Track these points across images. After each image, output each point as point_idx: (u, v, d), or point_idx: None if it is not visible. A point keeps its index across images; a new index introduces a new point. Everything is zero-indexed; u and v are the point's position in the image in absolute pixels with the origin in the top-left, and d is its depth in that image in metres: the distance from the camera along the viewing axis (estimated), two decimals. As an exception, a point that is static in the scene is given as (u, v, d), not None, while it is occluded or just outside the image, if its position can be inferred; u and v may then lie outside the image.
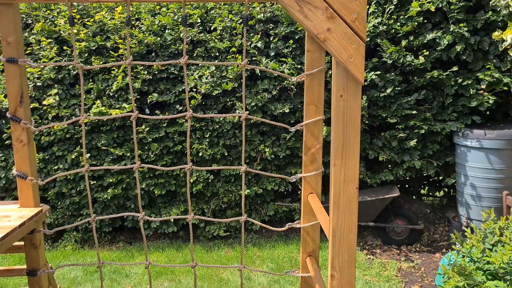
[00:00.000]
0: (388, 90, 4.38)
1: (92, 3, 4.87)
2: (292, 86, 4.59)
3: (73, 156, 4.72)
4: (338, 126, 1.65)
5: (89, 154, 4.77)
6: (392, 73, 4.47)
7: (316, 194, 2.41)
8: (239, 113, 4.63)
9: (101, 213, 4.94)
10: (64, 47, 4.72)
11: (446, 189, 5.23)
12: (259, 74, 4.62)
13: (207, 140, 4.72)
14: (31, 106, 4.71)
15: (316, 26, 1.55)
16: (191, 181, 4.77)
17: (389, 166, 4.88)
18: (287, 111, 4.59)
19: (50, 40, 4.71)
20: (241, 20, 4.65)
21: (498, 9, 4.19)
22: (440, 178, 5.04)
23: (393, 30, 4.45)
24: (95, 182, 4.80)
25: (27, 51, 4.81)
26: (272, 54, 4.63)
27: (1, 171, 4.86)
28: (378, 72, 4.34)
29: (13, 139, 2.41)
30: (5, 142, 4.86)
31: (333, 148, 1.67)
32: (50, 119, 4.75)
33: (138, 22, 4.84)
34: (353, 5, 1.54)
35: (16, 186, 4.86)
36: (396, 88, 4.45)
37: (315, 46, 2.30)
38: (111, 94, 4.71)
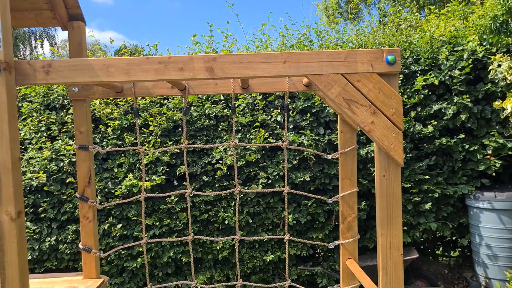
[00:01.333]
0: (401, 157, 4.71)
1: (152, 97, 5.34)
2: (311, 156, 4.93)
3: (105, 227, 4.96)
4: (382, 201, 1.94)
5: (120, 225, 5.01)
6: (404, 141, 4.83)
7: (353, 259, 2.66)
8: (262, 183, 4.95)
9: (129, 282, 5.10)
10: (100, 126, 5.11)
11: (460, 249, 5.43)
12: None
13: (232, 208, 4.99)
14: (67, 181, 5.02)
15: (362, 120, 1.89)
16: (218, 248, 4.98)
17: (405, 228, 5.12)
18: (307, 179, 4.90)
19: (85, 119, 5.10)
20: (261, 97, 5.08)
21: (496, 81, 4.63)
22: (454, 238, 5.26)
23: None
24: (125, 251, 5.00)
25: (63, 130, 5.19)
26: (291, 126, 5.01)
27: (35, 243, 5.07)
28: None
29: (80, 216, 2.68)
30: (40, 215, 5.11)
31: (378, 219, 1.95)
32: (83, 192, 5.03)
33: (166, 100, 5.27)
34: (391, 102, 1.89)
35: (48, 257, 5.04)
36: (408, 155, 4.79)
37: (347, 128, 2.65)
38: (141, 167, 5.03)
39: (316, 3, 18.96)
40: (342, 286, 2.64)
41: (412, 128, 4.75)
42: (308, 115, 4.97)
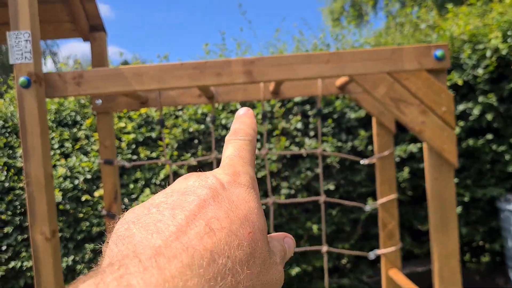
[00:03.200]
0: (426, 161, 4.58)
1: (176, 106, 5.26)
2: (335, 164, 4.81)
3: (125, 245, 4.84)
4: (435, 206, 1.82)
5: (139, 242, 4.90)
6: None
7: (397, 269, 2.52)
8: (284, 194, 4.82)
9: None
10: (116, 141, 5.02)
11: (490, 254, 5.25)
12: (302, 154, 4.86)
13: (254, 220, 4.85)
14: (83, 199, 4.92)
15: (411, 120, 1.78)
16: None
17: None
18: (332, 188, 4.77)
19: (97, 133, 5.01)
20: (280, 104, 4.98)
21: (519, 79, 4.51)
22: (482, 243, 5.09)
23: (422, 104, 4.75)
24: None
25: (77, 146, 5.11)
26: (312, 134, 4.90)
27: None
28: (419, 145, 4.57)
29: (108, 233, 2.55)
30: (58, 235, 5.00)
31: (432, 226, 1.83)
32: (99, 210, 4.93)
33: (180, 112, 5.18)
34: (442, 100, 1.78)
35: (65, 278, 4.94)
36: (433, 158, 4.66)
37: (384, 131, 2.53)
38: (157, 182, 4.93)
39: (321, 8, 18.93)
40: (385, 297, 2.52)
41: (435, 131, 4.63)
42: (330, 121, 4.86)
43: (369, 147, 4.81)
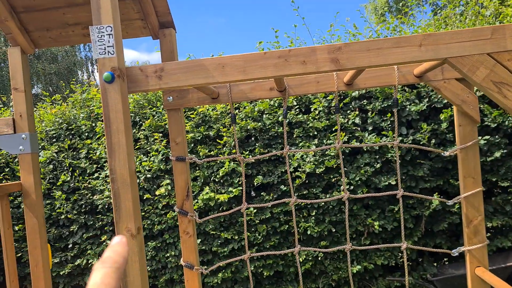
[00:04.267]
0: (497, 154, 4.33)
1: (246, 101, 5.31)
2: (395, 158, 4.64)
3: (185, 243, 4.86)
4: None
5: (198, 240, 4.91)
6: (497, 136, 4.44)
7: (483, 267, 2.36)
8: (343, 188, 4.69)
9: (210, 298, 4.97)
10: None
11: None
12: (360, 149, 4.71)
13: (313, 217, 4.76)
14: (144, 197, 4.98)
15: (515, 104, 1.64)
16: (300, 260, 4.76)
17: (503, 230, 4.69)
18: (393, 183, 4.60)
19: (157, 134, 5.06)
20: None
21: None
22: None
23: (490, 94, 4.49)
24: (205, 266, 4.88)
25: (137, 146, 5.18)
26: (370, 128, 4.74)
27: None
28: (487, 137, 4.33)
29: (180, 231, 2.54)
30: (120, 233, 5.09)
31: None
32: (160, 208, 4.98)
33: (237, 110, 5.15)
34: (549, 82, 1.63)
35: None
36: (503, 151, 4.40)
37: (467, 121, 2.38)
38: (216, 180, 4.92)
39: (364, 5, 18.54)
40: (472, 297, 2.36)
41: (506, 121, 4.36)
42: (389, 115, 4.69)
43: (433, 141, 4.60)
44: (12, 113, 5.51)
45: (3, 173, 5.39)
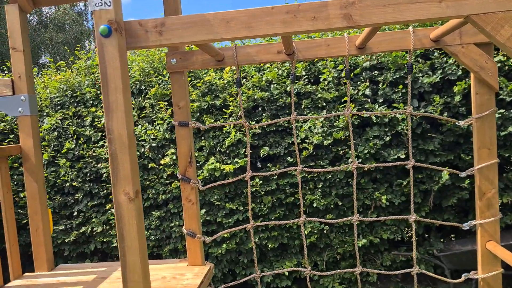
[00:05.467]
0: (511, 129, 4.20)
1: (252, 64, 5.22)
2: (406, 131, 4.52)
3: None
4: None
5: (203, 210, 4.87)
6: (511, 110, 4.30)
7: (495, 241, 2.28)
8: (351, 161, 4.60)
9: (214, 269, 4.96)
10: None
11: None
12: (370, 121, 4.60)
13: (320, 190, 4.69)
14: (149, 166, 4.93)
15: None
16: (306, 232, 4.72)
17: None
18: (402, 156, 4.50)
19: (163, 102, 4.97)
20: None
21: None
22: None
23: (507, 67, 4.33)
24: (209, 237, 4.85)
25: (142, 115, 5.10)
26: (381, 100, 4.61)
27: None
28: (502, 111, 4.19)
29: (183, 198, 2.49)
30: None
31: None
32: (165, 177, 4.93)
33: (244, 80, 5.02)
34: None
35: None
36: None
37: (484, 89, 2.26)
38: (222, 150, 4.84)
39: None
40: (482, 272, 2.29)
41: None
42: (400, 86, 4.55)
43: (445, 114, 4.47)
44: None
45: (8, 140, 5.35)
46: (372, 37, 2.15)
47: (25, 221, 5.19)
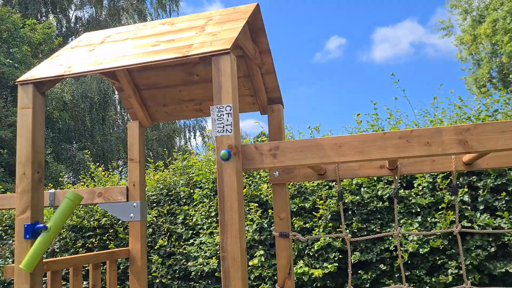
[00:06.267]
0: None
1: (355, 178, 5.33)
2: (513, 242, 4.17)
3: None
4: None
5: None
6: None
7: None
8: (451, 273, 4.27)
9: None
10: (269, 210, 5.03)
11: None
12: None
13: (416, 303, 4.35)
14: (237, 267, 4.93)
15: None
16: None
17: None
18: (510, 270, 4.10)
19: (253, 203, 5.07)
20: (442, 175, 4.56)
21: None
22: None
23: None
24: None
25: (232, 215, 5.22)
26: (481, 207, 4.35)
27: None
28: None
29: (281, 312, 2.40)
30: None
31: None
32: (252, 279, 4.88)
33: (333, 183, 5.03)
34: None
35: None
36: None
37: None
38: (311, 253, 4.75)
39: (464, 77, 17.90)
40: None
41: None
42: (504, 193, 4.28)
43: None
44: (125, 182, 5.91)
45: (108, 234, 5.68)
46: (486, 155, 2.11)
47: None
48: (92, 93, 17.33)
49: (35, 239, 1.90)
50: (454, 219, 4.34)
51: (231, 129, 1.73)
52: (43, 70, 2.04)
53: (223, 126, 1.74)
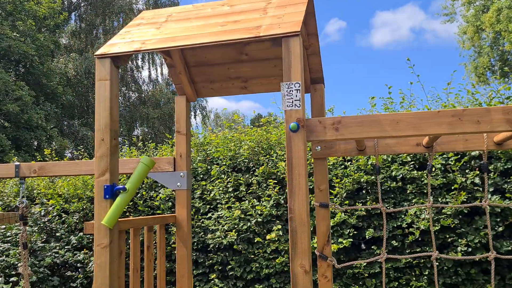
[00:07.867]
0: None
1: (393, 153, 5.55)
2: (520, 222, 4.43)
3: None
4: None
5: None
6: None
7: None
8: (461, 250, 4.54)
9: None
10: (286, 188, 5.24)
11: None
12: (479, 209, 4.57)
13: (426, 277, 4.62)
14: (255, 240, 5.17)
15: None
16: (411, 321, 4.61)
17: None
18: (518, 249, 4.38)
19: (271, 180, 5.29)
20: (455, 158, 4.79)
21: None
22: None
23: None
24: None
25: (249, 190, 5.44)
26: (491, 189, 4.60)
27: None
28: None
29: (319, 275, 2.64)
30: (227, 273, 5.28)
31: None
32: (268, 252, 5.13)
33: (349, 162, 5.26)
34: None
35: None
36: None
37: None
38: (326, 229, 4.99)
39: (464, 63, 18.12)
40: None
41: None
42: (513, 176, 4.53)
43: None
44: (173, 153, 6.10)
45: (127, 206, 5.88)
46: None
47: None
48: (95, 69, 17.32)
49: (113, 199, 2.10)
50: (465, 199, 4.59)
51: (299, 104, 1.92)
52: (118, 45, 2.22)
53: (292, 101, 1.93)
